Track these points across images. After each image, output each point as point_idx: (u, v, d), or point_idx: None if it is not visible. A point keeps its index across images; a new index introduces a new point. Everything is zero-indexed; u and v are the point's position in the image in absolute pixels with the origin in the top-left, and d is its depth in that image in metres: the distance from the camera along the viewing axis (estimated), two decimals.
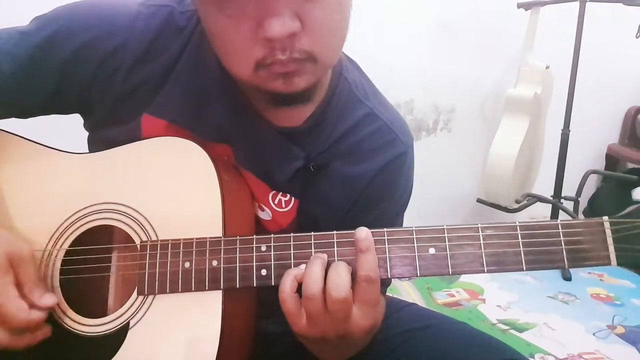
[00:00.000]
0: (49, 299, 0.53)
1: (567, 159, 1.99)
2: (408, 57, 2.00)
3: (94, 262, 0.58)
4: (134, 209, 0.57)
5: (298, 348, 0.56)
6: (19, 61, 0.57)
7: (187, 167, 0.58)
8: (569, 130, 1.97)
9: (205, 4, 0.50)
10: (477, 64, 2.13)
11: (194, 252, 0.54)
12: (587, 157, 2.47)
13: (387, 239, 0.51)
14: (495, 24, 2.11)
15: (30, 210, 0.60)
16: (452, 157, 2.20)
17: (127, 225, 0.57)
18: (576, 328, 1.61)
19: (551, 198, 2.02)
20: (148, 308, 0.55)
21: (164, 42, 0.59)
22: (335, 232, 0.52)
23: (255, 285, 0.53)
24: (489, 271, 0.50)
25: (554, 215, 2.06)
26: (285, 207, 0.64)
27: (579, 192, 2.04)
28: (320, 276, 0.49)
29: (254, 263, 0.53)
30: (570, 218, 0.61)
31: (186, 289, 0.54)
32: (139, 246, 0.56)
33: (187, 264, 0.54)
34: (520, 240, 0.50)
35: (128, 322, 0.55)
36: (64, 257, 0.58)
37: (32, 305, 0.51)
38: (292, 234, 0.53)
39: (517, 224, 0.50)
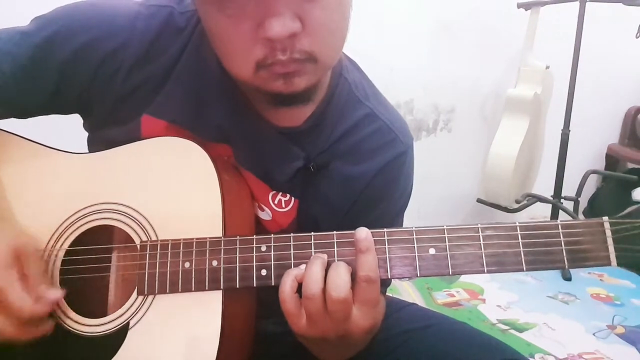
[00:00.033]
0: (53, 293, 0.53)
1: (567, 159, 1.99)
2: (408, 57, 2.00)
3: (94, 262, 0.58)
4: (134, 209, 0.58)
5: (298, 348, 0.56)
6: (19, 61, 0.57)
7: (187, 167, 0.58)
8: (569, 130, 1.97)
9: (206, 4, 0.50)
10: (477, 64, 2.13)
11: (194, 252, 0.54)
12: (587, 157, 2.47)
13: (387, 239, 0.51)
14: (495, 24, 2.11)
15: (30, 210, 0.60)
16: (452, 157, 2.20)
17: (127, 225, 0.57)
18: (576, 328, 1.61)
19: (551, 198, 2.02)
20: (148, 308, 0.55)
21: (164, 42, 0.59)
22: (335, 232, 0.52)
23: (255, 285, 0.53)
24: (489, 271, 0.50)
25: (554, 215, 2.06)
26: (285, 207, 0.64)
27: (579, 192, 2.04)
28: (320, 276, 0.49)
29: (254, 263, 0.53)
30: (570, 218, 0.61)
31: (186, 289, 0.54)
32: (139, 246, 0.56)
33: (187, 264, 0.54)
34: (520, 240, 0.50)
35: (128, 322, 0.55)
36: (64, 257, 0.58)
37: (36, 299, 0.52)
38: (292, 234, 0.53)
39: (517, 224, 0.50)
